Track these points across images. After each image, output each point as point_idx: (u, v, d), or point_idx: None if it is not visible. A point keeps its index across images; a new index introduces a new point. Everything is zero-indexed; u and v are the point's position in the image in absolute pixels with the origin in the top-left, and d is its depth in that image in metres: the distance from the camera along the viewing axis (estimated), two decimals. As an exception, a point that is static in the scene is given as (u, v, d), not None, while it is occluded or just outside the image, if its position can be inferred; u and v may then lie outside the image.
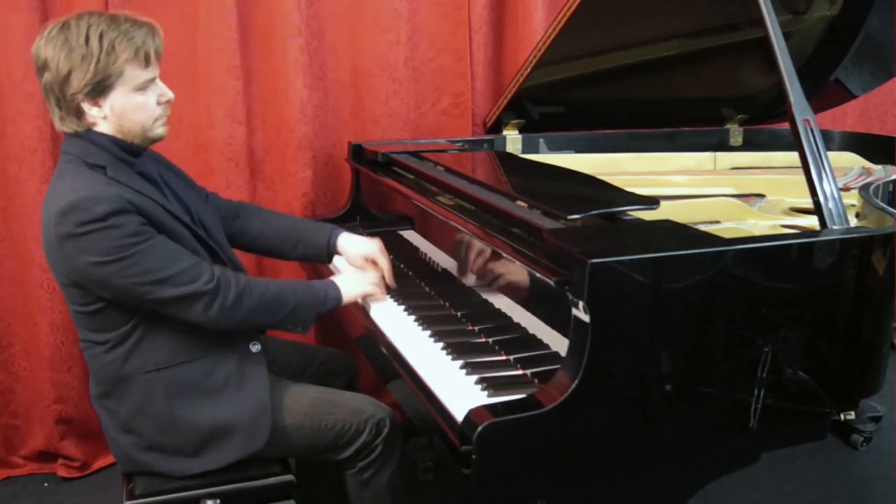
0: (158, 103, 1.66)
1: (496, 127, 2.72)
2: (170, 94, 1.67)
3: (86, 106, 1.59)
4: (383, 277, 1.95)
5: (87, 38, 1.56)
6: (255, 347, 1.76)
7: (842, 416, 2.69)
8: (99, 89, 1.58)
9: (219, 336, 1.71)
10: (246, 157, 2.58)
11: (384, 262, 1.96)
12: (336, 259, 2.03)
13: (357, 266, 1.98)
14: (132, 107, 1.62)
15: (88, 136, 1.62)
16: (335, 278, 1.86)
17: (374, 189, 2.47)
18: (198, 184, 1.96)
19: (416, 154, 2.33)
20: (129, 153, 1.65)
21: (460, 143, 2.58)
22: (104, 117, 1.61)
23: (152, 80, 1.64)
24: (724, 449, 1.54)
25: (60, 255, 1.58)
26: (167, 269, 1.57)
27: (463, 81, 2.77)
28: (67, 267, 1.59)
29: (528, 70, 2.42)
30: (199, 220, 1.78)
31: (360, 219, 2.54)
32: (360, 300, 1.89)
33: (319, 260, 2.05)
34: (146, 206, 1.59)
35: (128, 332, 1.65)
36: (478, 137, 2.75)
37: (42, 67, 1.59)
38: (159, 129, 1.67)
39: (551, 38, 2.29)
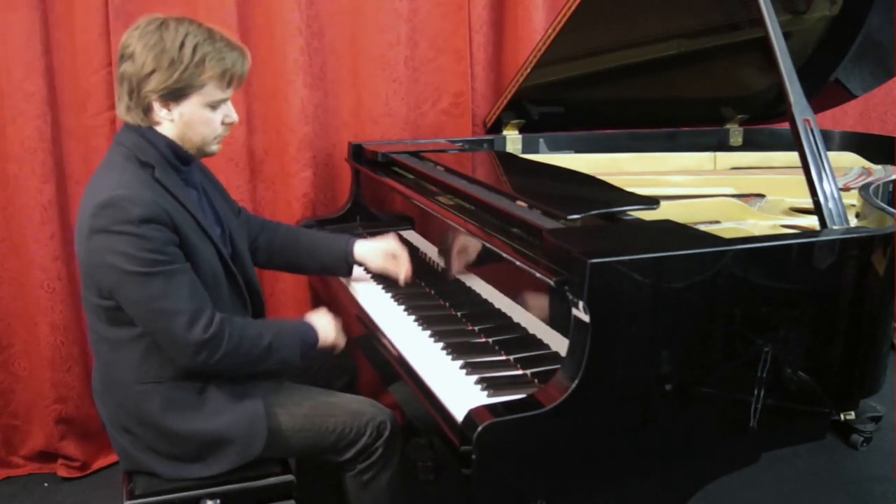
0: (223, 123, 1.69)
1: (496, 127, 2.72)
2: (235, 117, 1.71)
3: (156, 106, 1.62)
4: (394, 272, 2.01)
5: (182, 45, 1.58)
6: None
7: (842, 416, 2.69)
8: (175, 95, 1.61)
9: None
10: (246, 157, 2.58)
11: (404, 254, 2.00)
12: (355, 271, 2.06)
13: (379, 265, 2.02)
14: (199, 120, 1.65)
15: (148, 133, 1.65)
16: (312, 320, 1.84)
17: (374, 189, 2.47)
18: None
19: (416, 154, 2.33)
20: (180, 160, 1.68)
21: (460, 143, 2.58)
22: (171, 120, 1.64)
23: (225, 101, 1.67)
24: (724, 449, 1.55)
25: (87, 246, 1.60)
26: (171, 301, 1.57)
27: (463, 81, 2.77)
28: (89, 259, 1.61)
29: (528, 70, 2.42)
30: (230, 235, 1.80)
31: (360, 219, 2.54)
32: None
33: (338, 271, 2.07)
34: (181, 219, 1.61)
35: (134, 337, 1.65)
36: (478, 137, 2.75)
37: (127, 56, 1.61)
38: (214, 146, 1.71)
39: (551, 38, 2.29)
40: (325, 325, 1.85)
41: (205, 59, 1.60)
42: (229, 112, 1.70)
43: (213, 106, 1.66)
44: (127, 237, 1.54)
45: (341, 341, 1.88)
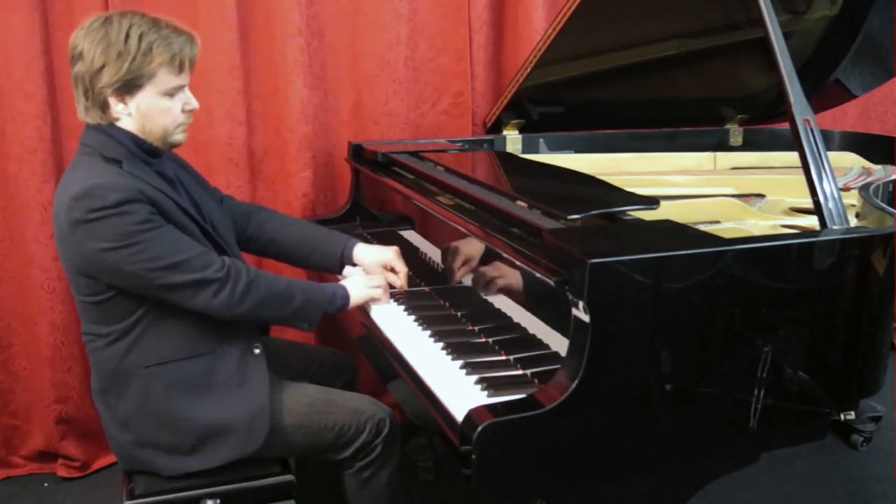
0: (183, 111, 1.69)
1: (496, 127, 2.71)
2: (195, 104, 1.70)
3: (112, 101, 1.62)
4: (389, 283, 1.95)
5: (127, 37, 1.59)
6: (257, 350, 1.77)
7: (842, 416, 2.69)
8: (128, 87, 1.61)
9: (222, 334, 1.71)
10: (246, 157, 2.58)
11: (402, 267, 1.95)
12: (347, 269, 2.02)
13: (375, 273, 1.97)
14: (157, 110, 1.64)
15: (109, 130, 1.65)
16: (344, 281, 1.87)
17: (374, 189, 2.47)
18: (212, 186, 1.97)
19: (416, 154, 2.33)
20: (147, 153, 1.68)
21: (460, 143, 2.58)
22: (129, 114, 1.64)
23: (181, 88, 1.67)
24: (724, 449, 1.54)
25: (71, 241, 1.60)
26: (177, 255, 1.59)
27: (463, 81, 2.77)
28: (77, 254, 1.60)
29: (528, 70, 2.41)
30: (210, 219, 1.79)
31: (360, 219, 2.54)
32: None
33: (331, 271, 2.04)
34: (158, 198, 1.61)
35: (131, 325, 1.66)
36: (478, 137, 2.75)
37: (77, 57, 1.62)
38: (178, 136, 1.70)
39: (551, 38, 2.29)
40: (354, 285, 1.87)
41: (152, 47, 1.59)
42: (188, 99, 1.69)
43: (170, 94, 1.65)
44: (109, 220, 1.54)
45: (383, 294, 1.90)
